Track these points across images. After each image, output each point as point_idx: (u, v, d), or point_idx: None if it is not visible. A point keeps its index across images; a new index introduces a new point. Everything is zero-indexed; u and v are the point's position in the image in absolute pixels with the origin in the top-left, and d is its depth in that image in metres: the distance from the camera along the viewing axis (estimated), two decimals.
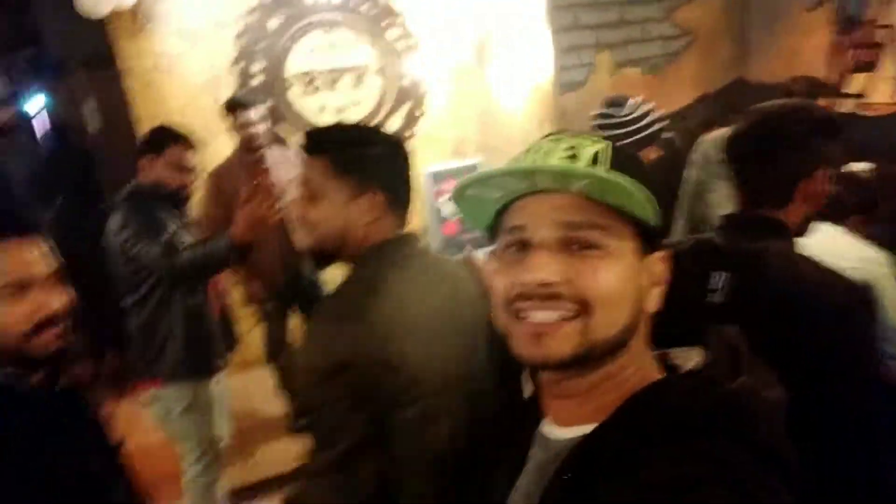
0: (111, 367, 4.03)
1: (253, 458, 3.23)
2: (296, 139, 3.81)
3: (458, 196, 0.74)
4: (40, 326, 1.05)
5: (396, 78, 3.99)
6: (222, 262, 2.15)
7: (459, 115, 4.20)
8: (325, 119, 3.85)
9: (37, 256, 1.08)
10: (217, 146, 3.38)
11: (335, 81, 3.87)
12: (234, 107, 3.08)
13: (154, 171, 2.29)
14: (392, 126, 4.04)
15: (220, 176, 3.14)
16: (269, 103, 3.25)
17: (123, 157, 3.86)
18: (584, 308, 0.65)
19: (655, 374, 0.71)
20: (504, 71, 4.24)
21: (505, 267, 0.70)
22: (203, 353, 2.33)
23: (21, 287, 1.04)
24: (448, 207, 3.67)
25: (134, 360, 2.33)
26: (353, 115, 3.90)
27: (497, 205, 0.72)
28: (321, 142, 1.19)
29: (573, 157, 0.67)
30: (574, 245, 0.66)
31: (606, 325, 0.66)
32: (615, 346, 0.67)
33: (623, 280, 0.66)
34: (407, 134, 4.12)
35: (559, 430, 0.72)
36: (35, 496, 0.99)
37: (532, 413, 0.78)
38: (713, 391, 0.66)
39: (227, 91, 3.67)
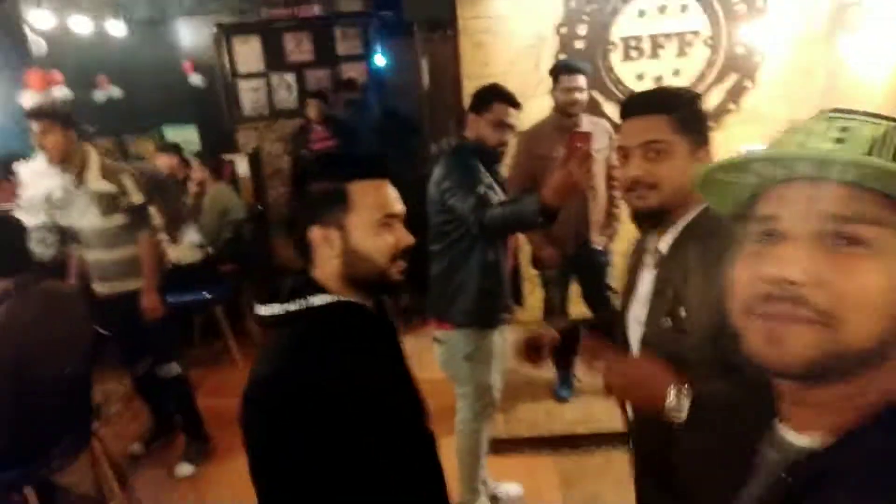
0: (407, 302, 4.50)
1: (514, 413, 3.35)
2: (609, 106, 3.77)
3: (707, 180, 0.68)
4: (396, 257, 1.20)
5: (728, 46, 3.63)
6: (529, 222, 2.18)
7: (796, 90, 3.68)
8: (643, 87, 3.69)
9: (397, 196, 1.23)
10: (530, 108, 3.47)
11: (659, 48, 3.68)
12: (561, 70, 3.11)
13: (478, 127, 2.41)
14: (712, 100, 3.71)
15: (532, 138, 3.21)
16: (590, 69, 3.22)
17: (448, 114, 4.20)
18: (830, 317, 0.56)
19: None
20: (865, 42, 3.57)
21: (748, 259, 0.63)
22: (492, 306, 2.44)
23: (391, 220, 1.20)
24: None
25: (429, 302, 2.54)
26: (670, 83, 3.67)
27: (750, 191, 0.65)
28: (663, 101, 1.30)
29: (842, 139, 0.58)
30: (837, 240, 0.57)
31: (859, 334, 0.56)
32: (872, 358, 0.58)
33: (891, 283, 0.56)
34: (730, 108, 3.75)
35: (796, 436, 0.65)
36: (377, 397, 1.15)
37: (766, 407, 0.69)
38: None
39: (548, 54, 3.73)
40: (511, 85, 3.68)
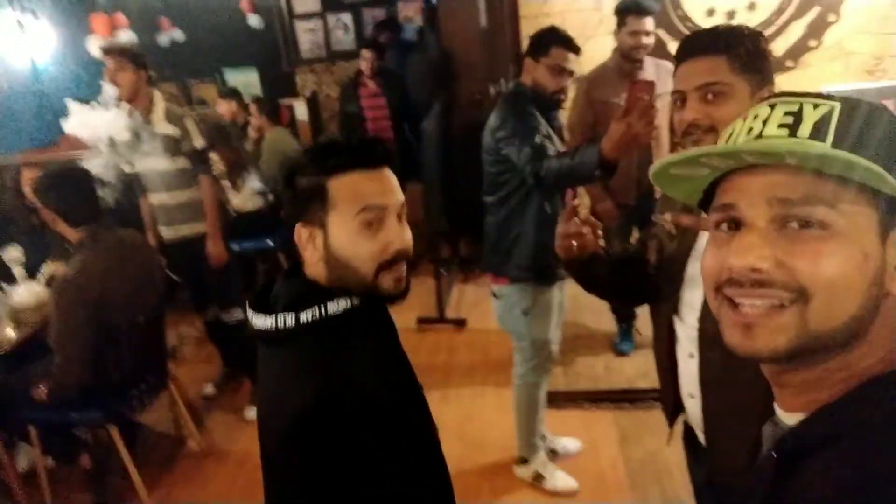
0: (464, 252, 4.50)
1: (573, 367, 3.36)
2: (675, 46, 3.57)
3: (660, 175, 0.68)
4: (385, 264, 1.04)
5: None
6: (588, 175, 2.06)
7: (885, 24, 3.38)
8: (712, 23, 3.46)
9: (389, 187, 1.06)
10: (591, 49, 3.31)
11: None
12: (628, 11, 2.92)
13: (535, 73, 2.31)
14: (791, 35, 3.45)
15: (593, 83, 3.09)
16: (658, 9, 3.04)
17: (506, 55, 4.06)
18: (800, 296, 0.58)
19: None
20: None
21: (715, 247, 0.64)
22: (549, 261, 2.40)
23: (376, 216, 1.03)
24: None
25: (484, 255, 2.52)
26: (745, 20, 3.43)
27: (706, 181, 0.67)
28: (720, 40, 1.21)
29: (792, 124, 0.60)
30: (793, 223, 0.58)
31: (828, 315, 0.58)
32: (843, 338, 0.59)
33: (852, 263, 0.57)
34: (811, 44, 3.49)
35: (785, 415, 0.67)
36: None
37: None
38: None
39: None
40: (570, 24, 3.56)
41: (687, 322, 1.35)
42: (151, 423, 3.09)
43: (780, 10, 3.44)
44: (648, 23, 2.89)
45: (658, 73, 3.10)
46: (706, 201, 0.69)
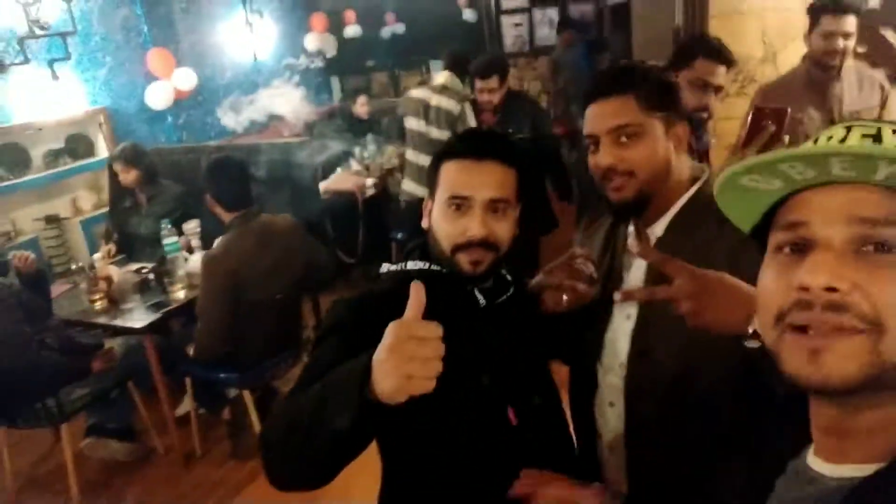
0: None
1: None
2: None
3: (727, 185, 0.62)
4: (461, 246, 1.11)
5: None
6: None
7: None
8: None
9: (485, 181, 1.11)
10: (792, 56, 2.86)
11: None
12: (823, 8, 2.46)
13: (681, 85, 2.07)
14: None
15: (770, 93, 2.66)
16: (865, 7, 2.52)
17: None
18: (875, 326, 0.53)
19: None
20: None
21: (778, 271, 0.59)
22: None
23: (462, 204, 1.11)
24: None
25: None
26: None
27: (774, 197, 0.61)
28: (626, 79, 1.16)
29: (875, 139, 0.55)
30: (870, 247, 0.55)
31: None
32: None
33: None
34: None
35: (828, 466, 0.61)
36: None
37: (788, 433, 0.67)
38: None
39: None
40: (770, 24, 3.12)
41: (611, 370, 1.24)
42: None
43: None
44: (848, 23, 2.40)
45: (861, 83, 2.58)
46: (760, 228, 0.65)
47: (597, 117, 1.17)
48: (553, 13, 6.61)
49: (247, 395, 2.88)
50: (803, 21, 2.59)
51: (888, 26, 2.89)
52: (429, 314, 0.85)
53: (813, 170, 0.57)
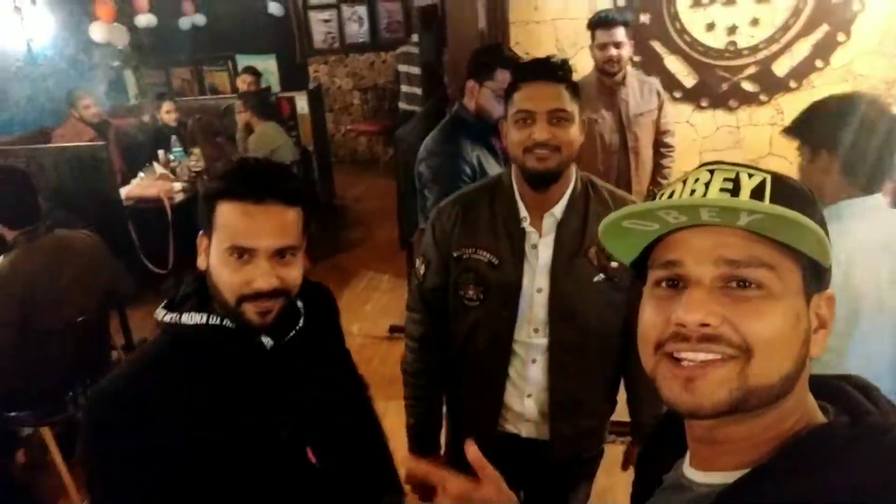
0: None
1: None
2: (672, 60, 3.37)
3: (611, 228, 0.69)
4: (247, 297, 1.00)
5: None
6: None
7: None
8: (712, 38, 3.25)
9: (273, 227, 1.01)
10: (582, 62, 3.15)
11: None
12: (595, 24, 2.79)
13: (480, 96, 2.18)
14: (797, 55, 3.21)
15: None
16: (635, 20, 2.86)
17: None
18: (743, 352, 0.61)
19: (818, 420, 0.66)
20: None
21: (655, 304, 0.66)
22: None
23: (244, 254, 1.00)
24: None
25: None
26: (746, 36, 3.21)
27: (652, 237, 0.68)
28: (561, 70, 1.38)
29: (733, 189, 0.63)
30: (734, 283, 0.62)
31: (767, 371, 0.61)
32: (777, 394, 0.62)
33: (789, 323, 0.62)
34: (817, 65, 3.25)
35: (700, 474, 0.68)
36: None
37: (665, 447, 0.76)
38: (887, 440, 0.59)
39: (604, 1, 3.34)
40: (562, 33, 3.39)
41: (529, 335, 1.50)
42: None
43: (785, 28, 3.21)
44: (617, 34, 2.75)
45: (641, 89, 2.92)
46: (639, 262, 0.72)
47: (535, 97, 1.37)
48: (362, 10, 6.62)
49: (46, 431, 2.57)
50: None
51: (657, 39, 3.28)
52: (211, 374, 0.84)
53: (685, 215, 0.63)
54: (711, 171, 0.65)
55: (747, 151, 3.38)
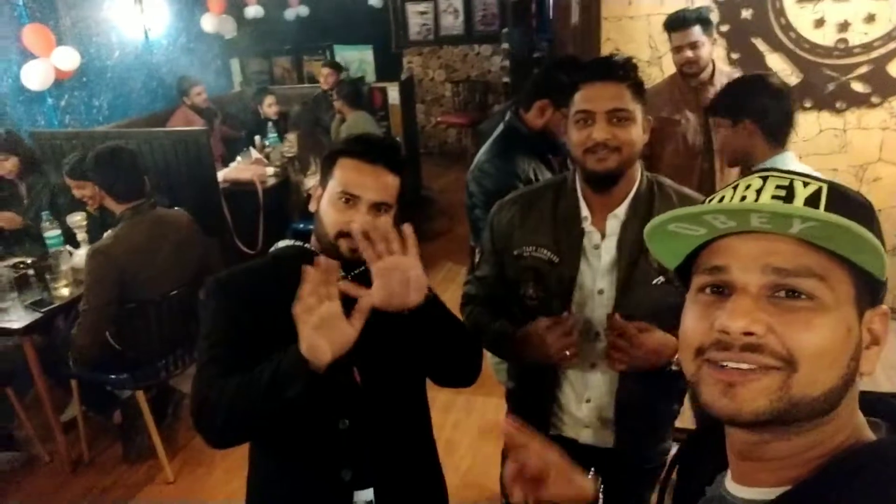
0: None
1: None
2: (775, 58, 3.18)
3: (657, 231, 0.68)
4: (341, 234, 1.23)
5: None
6: None
7: None
8: (821, 35, 3.05)
9: (377, 185, 1.24)
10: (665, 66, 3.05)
11: None
12: (670, 27, 2.73)
13: (552, 120, 2.05)
14: None
15: (652, 99, 2.81)
16: (735, 15, 2.72)
17: (586, 55, 3.82)
18: (787, 364, 0.59)
19: (866, 437, 0.64)
20: None
21: (699, 310, 0.65)
22: None
23: (349, 199, 1.23)
24: None
25: None
26: (859, 33, 2.99)
27: (698, 242, 0.67)
28: (622, 69, 1.34)
29: (786, 196, 0.61)
30: (782, 293, 0.60)
31: (811, 384, 0.59)
32: (821, 409, 0.60)
33: (838, 336, 0.59)
34: None
35: (741, 489, 0.67)
36: None
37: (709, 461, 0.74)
38: None
39: None
40: (656, 29, 3.28)
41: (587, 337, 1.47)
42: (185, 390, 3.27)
43: None
44: (692, 34, 2.66)
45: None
46: (683, 268, 0.70)
47: (595, 97, 1.34)
48: (458, 3, 6.65)
49: (140, 395, 2.77)
50: None
51: (759, 36, 3.11)
52: (293, 280, 1.06)
53: (734, 220, 0.62)
54: (764, 178, 0.64)
55: (853, 156, 3.16)
